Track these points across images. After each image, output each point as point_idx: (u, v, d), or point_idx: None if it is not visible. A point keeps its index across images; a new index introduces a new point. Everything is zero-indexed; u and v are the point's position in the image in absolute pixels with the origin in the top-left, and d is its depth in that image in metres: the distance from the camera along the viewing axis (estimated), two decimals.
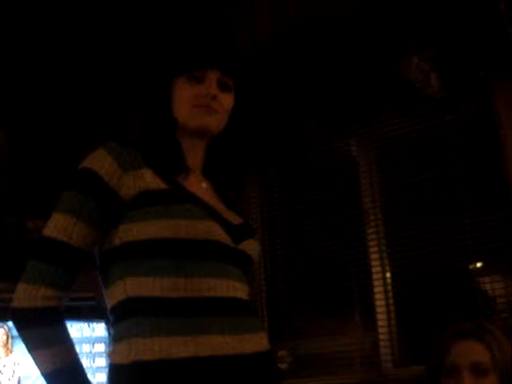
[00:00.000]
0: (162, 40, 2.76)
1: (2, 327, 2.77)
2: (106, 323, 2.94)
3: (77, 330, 2.87)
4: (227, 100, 1.44)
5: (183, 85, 1.41)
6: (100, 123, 3.63)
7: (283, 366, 2.83)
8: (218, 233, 1.31)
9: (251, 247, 1.43)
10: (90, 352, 2.91)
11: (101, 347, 2.93)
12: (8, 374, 2.79)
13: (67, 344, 1.28)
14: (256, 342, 1.31)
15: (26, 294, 1.25)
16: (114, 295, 1.31)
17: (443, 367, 1.84)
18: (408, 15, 2.91)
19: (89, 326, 2.92)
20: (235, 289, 1.32)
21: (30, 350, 1.26)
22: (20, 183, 3.50)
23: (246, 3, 3.25)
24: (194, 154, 1.46)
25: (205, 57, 1.42)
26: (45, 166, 3.60)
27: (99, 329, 2.95)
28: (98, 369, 2.86)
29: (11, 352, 2.79)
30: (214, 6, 3.09)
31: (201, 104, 1.39)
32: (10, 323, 2.66)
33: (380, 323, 2.97)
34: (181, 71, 1.42)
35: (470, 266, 2.84)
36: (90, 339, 2.90)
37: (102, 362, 2.92)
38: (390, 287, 2.99)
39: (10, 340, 2.79)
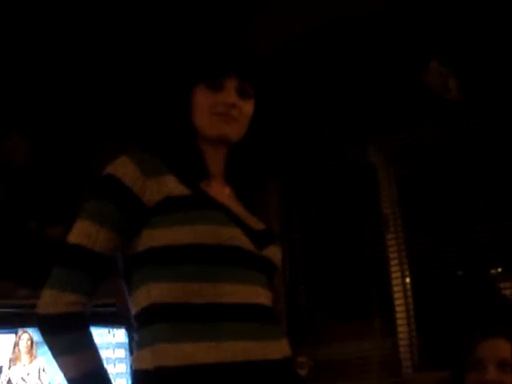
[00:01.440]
0: (180, 48, 2.78)
1: (27, 333, 2.76)
2: (127, 329, 2.96)
3: (97, 335, 2.88)
4: (247, 107, 1.43)
5: (202, 93, 1.40)
6: (115, 132, 3.65)
7: (303, 371, 2.82)
8: (240, 238, 1.32)
9: (274, 253, 1.42)
10: (111, 358, 2.92)
11: (121, 353, 2.94)
12: (33, 381, 2.77)
13: (92, 349, 1.28)
14: (278, 349, 1.31)
15: (50, 300, 1.25)
16: (137, 301, 1.31)
17: (469, 364, 1.84)
18: (426, 20, 2.91)
19: (109, 332, 2.93)
20: (258, 295, 1.33)
21: (55, 355, 1.27)
22: (40, 189, 3.53)
23: (263, 10, 3.26)
24: (216, 161, 1.45)
25: (222, 64, 1.41)
26: (64, 173, 3.63)
27: (120, 335, 2.96)
28: (119, 374, 2.86)
29: (35, 358, 2.78)
30: (232, 13, 3.11)
31: (219, 112, 1.39)
32: (34, 329, 2.67)
33: (400, 328, 2.96)
34: (199, 79, 1.41)
35: (491, 271, 2.83)
36: (110, 345, 2.91)
37: (123, 367, 2.92)
38: (409, 292, 2.99)
39: (34, 346, 2.78)
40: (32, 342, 2.77)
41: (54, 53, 3.40)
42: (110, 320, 2.82)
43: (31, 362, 2.79)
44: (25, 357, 2.77)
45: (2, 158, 3.37)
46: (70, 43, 3.38)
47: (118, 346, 2.94)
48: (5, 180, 3.36)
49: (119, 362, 2.91)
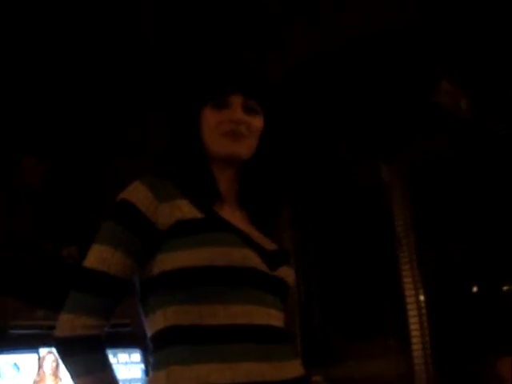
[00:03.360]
0: (185, 69, 2.80)
1: (51, 353, 2.77)
2: (142, 349, 2.97)
3: (113, 355, 2.89)
4: (255, 122, 1.43)
5: (209, 112, 1.41)
6: (128, 153, 3.69)
7: None
8: (253, 259, 1.33)
9: (287, 273, 1.43)
10: (126, 378, 2.92)
11: (137, 373, 2.96)
12: None
13: (108, 370, 1.30)
14: (291, 369, 1.32)
15: (67, 324, 1.28)
16: (153, 324, 1.33)
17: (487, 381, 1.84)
18: (437, 40, 2.93)
19: (124, 352, 2.94)
20: (270, 316, 1.33)
21: (72, 376, 1.29)
22: (55, 211, 3.57)
23: (275, 29, 3.30)
24: (227, 182, 1.46)
25: (226, 82, 1.41)
26: (79, 195, 3.66)
27: (135, 355, 2.98)
28: None
29: (61, 380, 2.77)
30: (248, 34, 3.14)
31: (226, 130, 1.40)
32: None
33: (414, 347, 2.95)
34: (204, 99, 1.42)
35: (505, 289, 2.82)
36: (125, 365, 2.93)
37: None
38: (423, 310, 2.97)
39: (59, 367, 2.77)
40: (57, 364, 2.77)
41: (69, 74, 3.45)
42: (125, 340, 2.84)
43: (57, 383, 2.79)
44: (49, 378, 2.77)
45: (19, 180, 3.41)
46: (84, 65, 3.42)
47: (133, 365, 2.95)
48: (21, 202, 3.40)
49: (134, 382, 2.92)
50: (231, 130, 1.40)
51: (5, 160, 3.42)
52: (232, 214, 1.43)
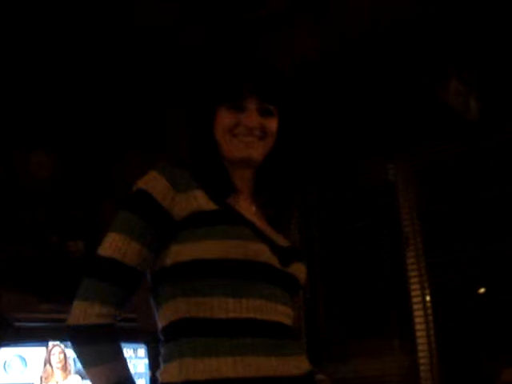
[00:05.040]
0: (203, 68, 2.81)
1: (58, 346, 2.71)
2: (146, 344, 2.97)
3: None
4: (269, 125, 1.44)
5: (224, 113, 1.42)
6: (140, 146, 3.68)
7: None
8: (266, 254, 1.33)
9: (299, 270, 1.44)
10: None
11: (141, 368, 2.95)
12: None
13: (121, 360, 1.31)
14: (299, 365, 1.33)
15: (80, 312, 1.27)
16: (165, 316, 1.33)
17: None
18: (446, 39, 2.93)
19: (129, 347, 2.94)
20: (279, 313, 1.34)
21: (84, 366, 1.29)
22: (62, 205, 3.57)
23: (284, 27, 3.30)
24: (242, 178, 1.47)
25: (243, 86, 1.41)
26: (85, 189, 3.66)
27: (140, 350, 2.97)
28: None
29: (70, 373, 2.71)
30: (255, 33, 3.15)
31: (240, 135, 1.40)
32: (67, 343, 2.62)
33: (420, 347, 2.95)
34: (220, 101, 1.43)
35: None
36: (130, 360, 2.92)
37: (143, 382, 2.93)
38: (429, 310, 2.97)
39: (68, 361, 2.71)
40: (65, 356, 2.71)
41: (80, 67, 3.45)
42: (130, 335, 2.83)
43: (66, 378, 2.72)
44: (58, 373, 2.70)
45: (26, 173, 3.41)
46: (96, 59, 3.42)
47: (138, 360, 2.95)
48: (28, 195, 3.40)
49: (139, 377, 2.92)
50: (245, 135, 1.41)
51: (12, 153, 3.42)
52: (247, 209, 1.44)
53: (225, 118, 1.41)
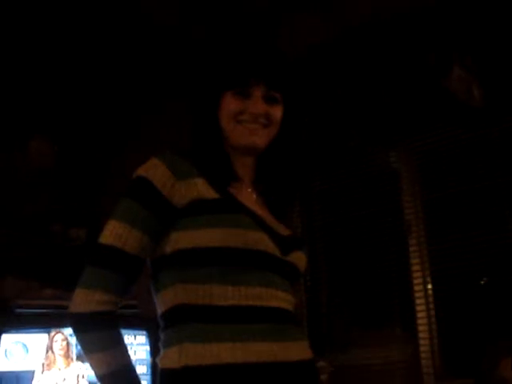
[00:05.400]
0: (208, 54, 2.79)
1: (60, 333, 2.70)
2: (147, 331, 2.97)
3: None
4: (275, 112, 1.43)
5: (229, 99, 1.41)
6: (139, 134, 3.68)
7: (323, 377, 2.81)
8: (266, 243, 1.33)
9: (299, 258, 1.44)
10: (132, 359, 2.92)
11: (142, 354, 2.96)
12: None
13: (122, 347, 1.31)
14: (301, 351, 1.33)
15: (82, 299, 1.28)
16: (164, 302, 1.33)
17: (491, 380, 1.83)
18: (450, 26, 2.91)
19: (130, 334, 2.94)
20: (280, 299, 1.34)
21: (86, 353, 1.30)
22: (64, 192, 3.57)
23: (286, 16, 3.27)
24: (244, 166, 1.47)
25: (249, 73, 1.40)
26: (87, 176, 3.66)
27: (141, 336, 2.98)
28: (140, 376, 2.87)
29: (72, 361, 2.69)
30: (259, 19, 3.12)
31: (245, 121, 1.40)
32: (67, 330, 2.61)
33: (421, 335, 2.95)
34: (225, 87, 1.42)
35: None
36: (131, 346, 2.93)
37: (144, 369, 2.94)
38: (431, 299, 2.97)
39: (70, 348, 2.69)
40: (68, 343, 2.69)
41: (79, 55, 3.43)
42: (131, 322, 2.83)
43: (68, 365, 2.70)
44: (60, 360, 2.68)
45: (28, 161, 3.41)
46: (95, 45, 3.40)
47: (139, 347, 2.95)
48: (30, 183, 3.40)
49: (140, 364, 2.93)
50: (250, 121, 1.40)
51: (14, 141, 3.41)
52: (248, 197, 1.44)
53: (230, 104, 1.40)
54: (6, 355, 2.58)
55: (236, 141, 1.42)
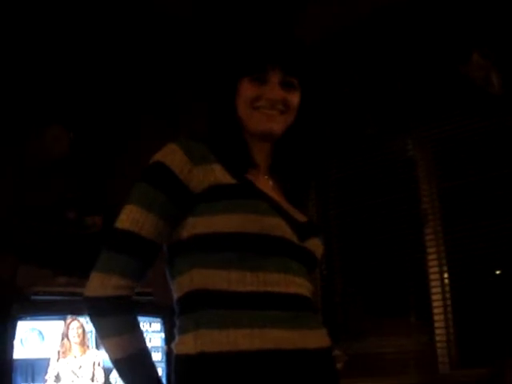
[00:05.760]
0: (225, 40, 2.78)
1: (76, 320, 2.68)
2: (162, 318, 2.98)
3: None
4: (292, 98, 1.42)
5: (246, 85, 1.40)
6: (155, 120, 3.67)
7: (338, 365, 2.80)
8: (283, 229, 1.32)
9: (315, 245, 1.43)
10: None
11: (157, 342, 2.97)
12: (86, 375, 2.63)
13: (137, 332, 1.31)
14: (318, 338, 1.33)
15: (98, 283, 1.28)
16: (180, 287, 1.33)
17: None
18: (468, 12, 2.87)
19: (145, 321, 2.95)
20: (298, 285, 1.33)
21: (101, 337, 1.30)
22: (79, 180, 3.57)
23: (302, 2, 3.24)
24: (260, 152, 1.46)
25: (266, 58, 1.39)
26: (102, 163, 3.66)
27: (155, 324, 2.98)
28: (155, 363, 2.87)
29: (88, 348, 2.68)
30: (280, 5, 3.09)
31: (261, 106, 1.39)
32: (85, 317, 2.58)
33: (437, 324, 2.94)
34: (242, 73, 1.41)
35: None
36: (146, 333, 2.93)
37: (158, 356, 2.95)
38: (447, 288, 2.96)
39: (86, 335, 2.67)
40: (84, 331, 2.68)
41: (94, 46, 3.43)
42: (146, 309, 2.84)
43: (84, 352, 2.68)
44: (76, 348, 2.66)
45: (43, 149, 3.41)
46: (108, 34, 3.40)
47: (154, 334, 2.96)
48: (45, 171, 3.40)
49: (155, 351, 2.93)
50: (267, 106, 1.39)
51: (29, 129, 3.42)
52: (265, 184, 1.44)
53: (247, 90, 1.40)
54: (21, 343, 2.58)
55: (253, 127, 1.41)
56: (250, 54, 1.42)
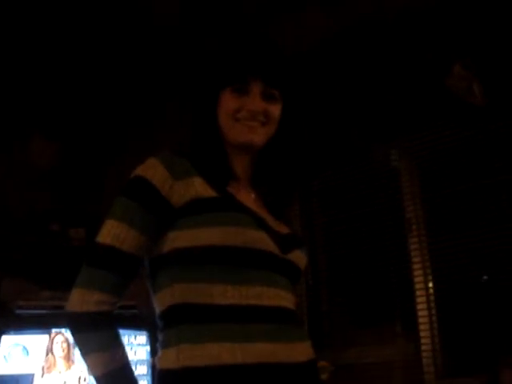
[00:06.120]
0: (206, 51, 2.78)
1: (61, 334, 2.66)
2: (147, 331, 2.96)
3: None
4: (273, 110, 1.42)
5: (227, 96, 1.40)
6: (140, 134, 3.67)
7: (324, 376, 2.81)
8: (265, 242, 1.32)
9: (298, 257, 1.42)
10: (132, 359, 2.91)
11: (142, 355, 2.95)
12: None
13: (119, 347, 1.30)
14: (302, 351, 1.32)
15: (80, 299, 1.27)
16: (162, 301, 1.32)
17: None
18: (451, 24, 2.90)
19: (130, 334, 2.93)
20: (281, 298, 1.33)
21: (83, 353, 1.28)
22: (63, 192, 3.56)
23: (288, 13, 3.26)
24: (242, 164, 1.46)
25: (247, 69, 1.39)
26: (86, 176, 3.65)
27: (141, 337, 2.97)
28: (140, 376, 2.86)
29: (73, 363, 2.64)
30: (257, 15, 3.11)
31: (243, 119, 1.39)
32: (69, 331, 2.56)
33: (422, 334, 2.94)
34: (224, 83, 1.41)
35: None
36: (131, 347, 2.92)
37: (144, 369, 2.93)
38: (432, 297, 2.96)
39: (71, 349, 2.64)
40: (69, 345, 2.65)
41: (79, 54, 3.42)
42: (131, 322, 2.82)
43: (69, 368, 2.66)
44: (61, 362, 2.64)
45: (27, 160, 3.40)
46: (96, 45, 3.39)
47: (139, 347, 2.95)
48: (29, 183, 3.39)
49: (140, 364, 2.92)
50: (248, 119, 1.39)
51: (12, 141, 3.41)
52: (246, 196, 1.43)
53: (228, 101, 1.39)
54: (5, 358, 2.55)
55: (234, 138, 1.40)
56: (230, 65, 1.42)
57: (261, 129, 1.40)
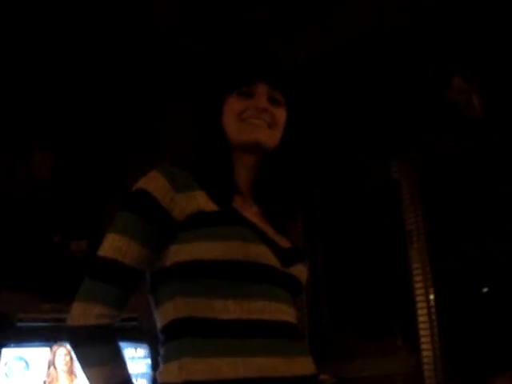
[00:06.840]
0: (210, 58, 2.79)
1: (63, 347, 2.62)
2: (148, 344, 2.95)
3: None
4: (279, 114, 1.43)
5: (234, 100, 1.41)
6: (141, 145, 3.67)
7: None
8: (267, 256, 1.32)
9: (300, 271, 1.42)
10: (132, 373, 2.89)
11: (143, 368, 2.94)
12: None
13: (120, 361, 1.29)
14: (304, 366, 1.32)
15: (80, 312, 1.27)
16: (164, 315, 1.32)
17: None
18: (450, 36, 2.91)
19: (131, 347, 2.92)
20: (283, 312, 1.32)
21: (84, 367, 1.28)
22: (64, 204, 3.56)
23: (286, 26, 3.27)
24: (246, 173, 1.46)
25: (252, 71, 1.41)
26: (88, 188, 3.65)
27: (141, 349, 2.96)
28: None
29: (76, 377, 2.59)
30: (257, 31, 3.12)
31: (249, 117, 1.40)
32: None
33: (424, 346, 2.93)
34: (230, 88, 1.42)
35: None
36: (132, 359, 2.91)
37: (144, 383, 2.92)
38: (433, 309, 2.95)
39: (74, 363, 2.58)
40: (71, 358, 2.59)
41: (81, 66, 3.43)
42: (131, 335, 2.81)
43: (72, 382, 2.62)
44: (63, 376, 2.59)
45: (27, 173, 3.40)
46: (94, 55, 3.40)
47: (140, 360, 2.93)
48: (29, 195, 3.39)
49: (141, 377, 2.91)
50: (253, 117, 1.40)
51: (14, 153, 3.41)
52: (248, 210, 1.43)
53: (235, 104, 1.41)
54: (6, 374, 2.52)
55: (240, 138, 1.41)
56: (236, 68, 1.44)
57: (266, 130, 1.41)
